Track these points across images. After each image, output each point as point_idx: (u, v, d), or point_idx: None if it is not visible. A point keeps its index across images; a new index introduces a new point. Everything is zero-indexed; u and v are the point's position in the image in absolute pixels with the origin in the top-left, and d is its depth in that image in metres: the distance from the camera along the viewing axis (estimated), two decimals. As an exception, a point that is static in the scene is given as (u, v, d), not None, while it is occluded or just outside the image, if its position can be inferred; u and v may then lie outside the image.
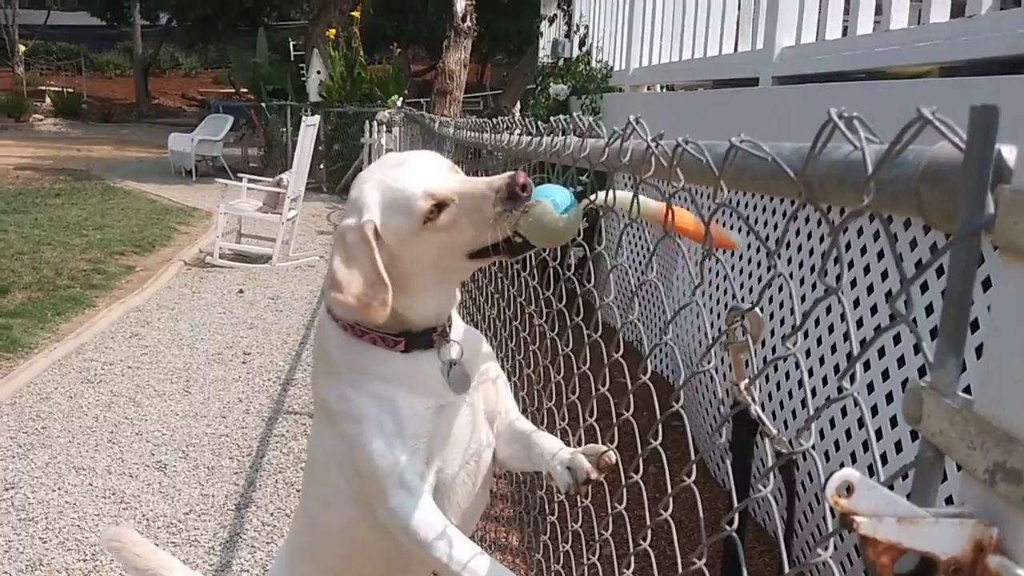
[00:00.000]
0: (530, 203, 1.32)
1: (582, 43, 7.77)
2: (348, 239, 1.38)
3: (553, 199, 1.32)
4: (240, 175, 9.63)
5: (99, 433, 4.49)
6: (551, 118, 1.69)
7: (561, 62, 7.98)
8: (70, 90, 30.97)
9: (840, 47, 3.51)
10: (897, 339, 2.49)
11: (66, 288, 7.29)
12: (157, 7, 31.01)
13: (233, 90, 27.81)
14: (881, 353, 2.54)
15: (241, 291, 7.74)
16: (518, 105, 18.52)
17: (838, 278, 0.70)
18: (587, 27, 7.76)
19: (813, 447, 0.74)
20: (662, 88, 6.30)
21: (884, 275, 2.63)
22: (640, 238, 4.74)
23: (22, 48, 33.35)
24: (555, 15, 8.73)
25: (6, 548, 3.39)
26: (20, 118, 26.21)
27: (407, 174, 1.40)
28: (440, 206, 1.36)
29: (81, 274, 7.81)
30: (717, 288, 3.83)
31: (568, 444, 1.45)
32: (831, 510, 0.51)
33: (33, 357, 5.58)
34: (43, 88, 31.03)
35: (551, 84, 7.43)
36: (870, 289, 2.67)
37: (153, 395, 5.07)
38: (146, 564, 2.06)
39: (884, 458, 2.50)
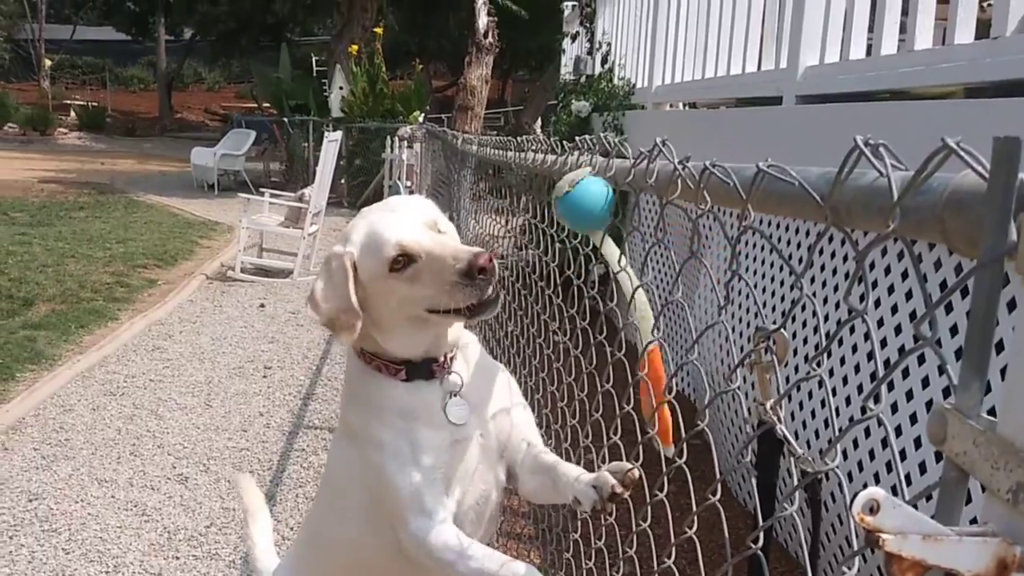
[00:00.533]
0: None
1: (604, 60, 7.80)
2: (332, 264, 1.51)
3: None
4: (262, 189, 9.72)
5: (121, 445, 4.53)
6: (575, 136, 1.71)
7: (583, 79, 8.01)
8: (95, 104, 31.37)
9: (864, 67, 3.51)
10: (921, 359, 2.49)
11: (89, 301, 7.37)
12: (181, 22, 31.44)
13: (256, 105, 28.11)
14: (905, 374, 2.53)
15: (262, 305, 7.79)
16: (539, 121, 18.60)
17: (862, 299, 0.72)
18: (609, 44, 7.79)
19: (837, 467, 0.75)
20: (684, 106, 6.31)
21: (908, 295, 2.62)
22: (665, 258, 4.74)
23: (48, 62, 33.86)
24: (577, 32, 8.77)
25: (30, 559, 3.42)
26: (45, 131, 26.55)
27: (391, 222, 1.49)
28: (409, 259, 1.45)
29: (104, 287, 7.89)
30: (739, 307, 3.83)
31: (592, 461, 1.46)
32: (856, 531, 0.52)
33: (57, 369, 5.64)
34: (68, 102, 31.47)
35: (573, 101, 7.46)
36: (894, 309, 2.66)
37: (175, 408, 5.12)
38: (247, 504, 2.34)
39: (908, 479, 2.50)
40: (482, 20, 11.88)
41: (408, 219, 1.50)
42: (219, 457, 4.44)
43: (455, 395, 1.54)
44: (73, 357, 5.90)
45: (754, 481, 1.00)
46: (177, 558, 3.47)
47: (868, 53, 3.60)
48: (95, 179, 16.82)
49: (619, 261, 1.47)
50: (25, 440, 4.53)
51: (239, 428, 4.84)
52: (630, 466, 1.35)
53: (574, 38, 8.98)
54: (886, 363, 2.58)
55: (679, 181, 1.07)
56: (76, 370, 5.62)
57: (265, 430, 4.82)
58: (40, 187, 14.88)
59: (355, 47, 16.10)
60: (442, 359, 1.56)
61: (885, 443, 2.56)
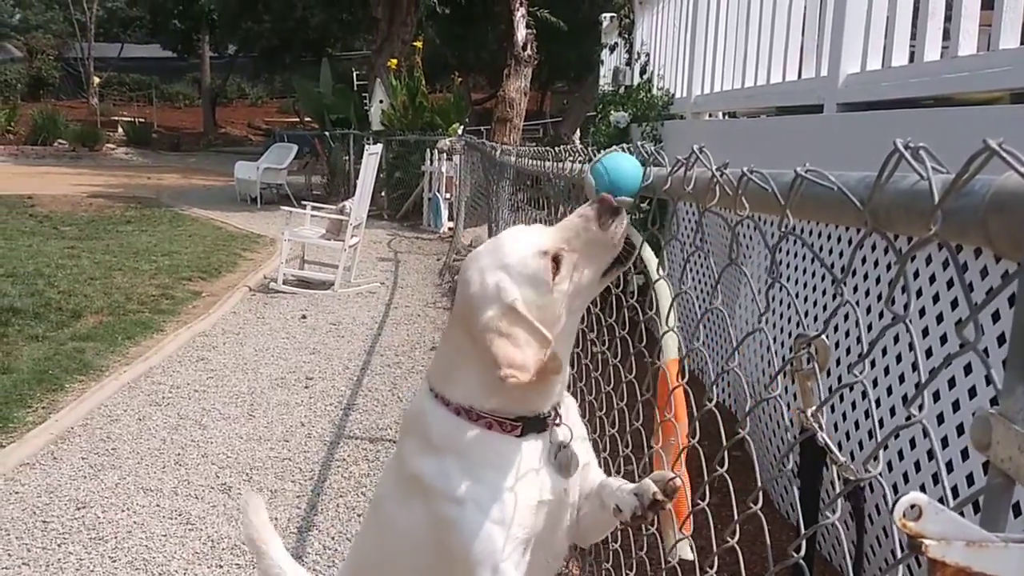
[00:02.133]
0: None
1: (643, 71, 7.79)
2: (502, 326, 1.39)
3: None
4: (304, 202, 9.82)
5: (166, 455, 4.60)
6: (613, 146, 1.71)
7: (622, 89, 8.01)
8: (141, 120, 32.00)
9: (907, 73, 3.47)
10: (968, 369, 2.44)
11: (136, 313, 7.49)
12: (225, 39, 31.97)
13: (297, 119, 28.48)
14: (952, 383, 2.49)
15: (304, 317, 7.87)
16: (578, 133, 18.60)
17: (905, 306, 0.71)
18: (648, 55, 7.78)
19: (880, 475, 0.74)
20: (724, 115, 6.28)
21: (954, 304, 2.58)
22: (705, 267, 4.71)
23: (97, 80, 34.59)
24: (616, 43, 8.77)
25: (77, 566, 3.48)
26: (94, 147, 27.10)
27: (511, 247, 1.45)
28: (555, 258, 1.41)
29: (150, 299, 8.02)
30: (781, 316, 3.79)
31: (633, 471, 1.46)
32: (901, 541, 0.51)
33: (104, 380, 5.74)
34: (116, 118, 32.10)
35: (611, 112, 7.46)
36: (939, 318, 2.62)
37: (218, 418, 5.18)
38: (256, 534, 2.19)
39: (955, 491, 2.45)
40: (521, 32, 11.93)
41: (517, 237, 1.48)
42: (261, 467, 4.48)
43: (564, 447, 1.47)
44: (120, 368, 6.00)
45: (796, 491, 0.99)
46: (220, 567, 3.51)
47: (911, 60, 3.56)
48: (141, 193, 17.13)
49: (657, 269, 1.47)
50: (73, 449, 4.61)
51: (281, 438, 4.89)
52: (672, 475, 1.33)
53: (612, 49, 8.98)
54: (931, 372, 2.54)
55: (717, 188, 1.06)
56: (123, 381, 5.71)
57: (307, 440, 4.86)
58: (89, 202, 15.18)
59: (395, 61, 16.25)
60: (553, 413, 1.50)
61: (931, 455, 2.52)
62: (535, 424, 1.47)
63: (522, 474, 1.43)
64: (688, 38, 6.54)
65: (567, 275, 1.41)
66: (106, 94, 36.51)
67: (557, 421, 1.50)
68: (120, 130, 30.46)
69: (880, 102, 3.56)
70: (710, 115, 6.40)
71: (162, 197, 16.69)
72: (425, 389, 1.54)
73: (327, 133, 18.15)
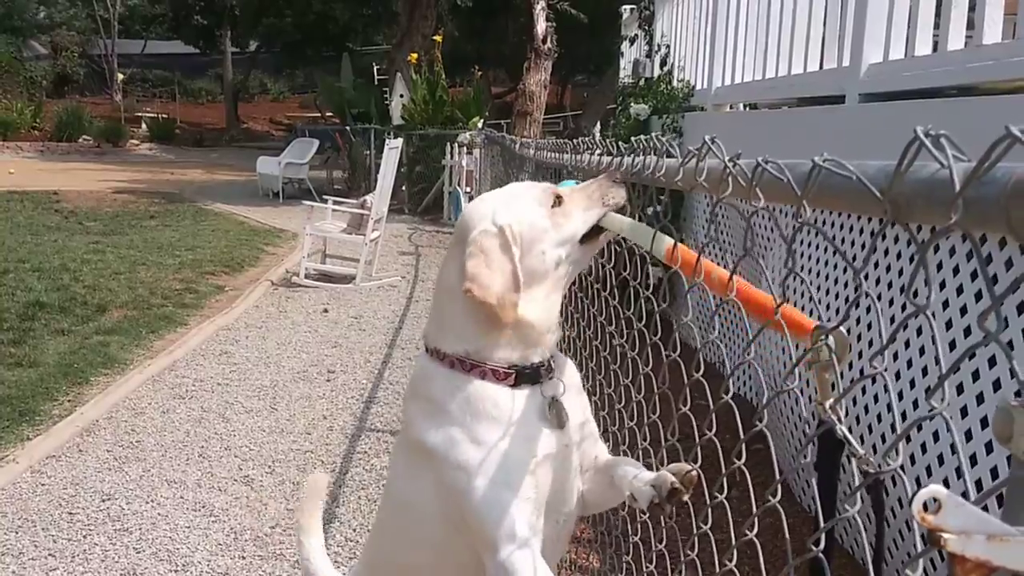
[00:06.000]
0: None
1: (663, 63, 7.75)
2: (486, 244, 1.46)
3: None
4: (325, 197, 9.86)
5: (190, 448, 4.63)
6: (631, 138, 1.70)
7: (642, 82, 7.97)
8: (164, 116, 32.17)
9: (930, 63, 3.43)
10: (992, 362, 2.41)
11: (160, 307, 7.55)
12: (247, 35, 32.13)
13: (319, 114, 28.54)
14: (975, 376, 2.46)
15: (326, 310, 7.90)
16: (598, 126, 18.54)
17: (928, 298, 0.70)
18: (668, 47, 7.74)
19: (901, 468, 0.73)
20: (745, 107, 6.24)
21: (978, 296, 2.55)
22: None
23: (120, 76, 34.85)
24: (636, 35, 8.73)
25: (103, 557, 3.52)
26: (118, 143, 27.30)
27: (517, 185, 1.62)
28: (558, 198, 1.52)
29: (174, 293, 8.08)
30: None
31: (651, 464, 1.45)
32: (922, 535, 0.51)
33: (128, 373, 5.79)
34: (139, 114, 32.30)
35: (632, 104, 7.43)
36: (963, 310, 2.59)
37: (241, 411, 5.21)
38: (305, 520, 2.19)
39: (979, 485, 2.42)
40: (541, 26, 11.91)
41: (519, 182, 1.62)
42: (284, 459, 4.51)
43: (556, 400, 1.49)
44: (144, 362, 6.06)
45: (815, 484, 0.98)
46: (243, 558, 3.53)
47: (934, 49, 3.51)
48: (165, 189, 17.26)
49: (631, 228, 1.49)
50: (98, 442, 4.66)
51: (303, 431, 4.91)
52: (689, 467, 1.32)
53: (633, 41, 8.94)
54: (953, 364, 2.51)
55: (730, 179, 1.05)
56: (147, 374, 5.76)
57: (329, 433, 4.88)
58: (113, 197, 15.31)
59: (415, 55, 16.25)
60: (547, 363, 1.52)
61: (954, 448, 2.49)
62: (529, 376, 1.49)
63: (522, 428, 1.45)
64: (708, 29, 6.50)
65: (561, 216, 1.50)
66: (130, 90, 36.76)
67: (551, 376, 1.52)
68: (144, 126, 30.65)
69: (903, 92, 3.52)
70: (731, 107, 6.35)
71: (185, 192, 16.80)
72: (422, 350, 1.58)
73: (348, 128, 18.19)
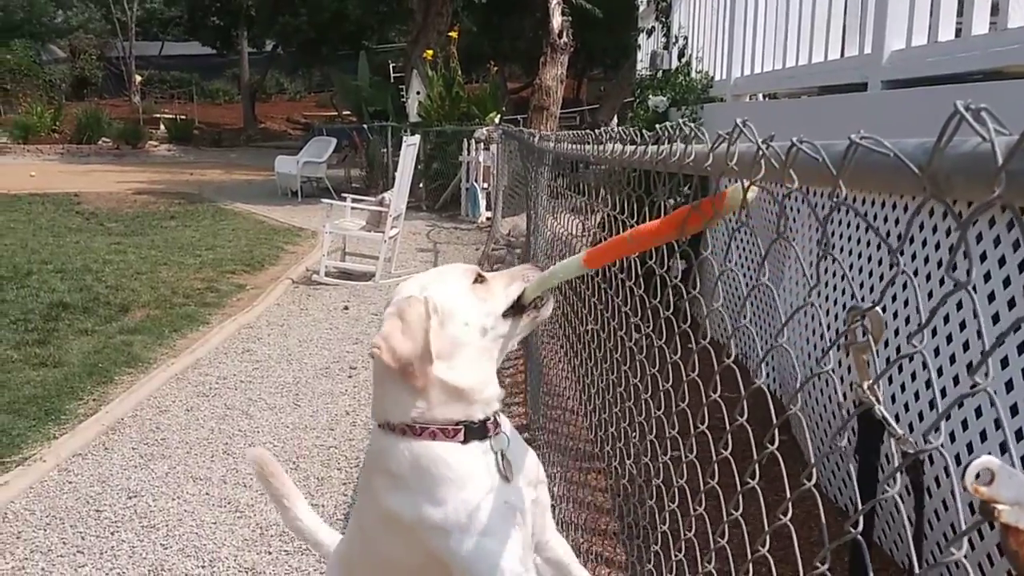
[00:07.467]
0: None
1: (681, 54, 7.71)
2: (406, 310, 1.58)
3: None
4: (344, 195, 9.87)
5: (214, 444, 4.66)
6: (656, 125, 1.69)
7: (660, 74, 7.93)
8: (183, 117, 32.35)
9: (954, 48, 3.39)
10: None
11: (181, 306, 7.60)
12: (263, 34, 32.23)
13: (336, 113, 28.65)
14: (1021, 349, 2.42)
15: (346, 307, 7.93)
16: (615, 119, 18.50)
17: (968, 272, 0.69)
18: (686, 38, 7.70)
19: (942, 446, 0.72)
20: (764, 97, 6.20)
21: (1022, 267, 2.50)
22: (751, 244, 4.65)
23: (138, 78, 35.07)
24: (653, 27, 8.70)
25: (130, 553, 3.55)
26: (137, 145, 27.47)
27: (443, 269, 1.74)
28: (480, 276, 1.67)
29: (195, 292, 8.14)
30: (834, 289, 3.70)
31: (680, 452, 1.44)
32: (968, 508, 0.50)
33: (152, 372, 5.83)
34: (158, 116, 32.52)
35: (650, 96, 7.39)
36: (1006, 281, 2.53)
37: (264, 408, 5.24)
38: (277, 487, 2.26)
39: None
40: (556, 20, 11.87)
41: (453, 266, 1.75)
42: (308, 455, 4.53)
43: (505, 455, 1.59)
44: (167, 360, 6.10)
45: (845, 473, 0.97)
46: (269, 553, 3.55)
47: (957, 34, 3.48)
48: (184, 189, 17.36)
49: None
50: (124, 440, 4.70)
51: (326, 427, 4.93)
52: None
53: (650, 33, 8.91)
54: (998, 338, 2.46)
55: (763, 161, 1.04)
56: (170, 372, 5.80)
57: (351, 428, 4.90)
58: (133, 198, 15.42)
59: (430, 52, 16.26)
60: (493, 417, 1.62)
61: (998, 424, 2.44)
62: (476, 431, 1.59)
63: (482, 479, 1.55)
64: (727, 19, 6.46)
65: (484, 291, 1.63)
66: (148, 92, 37.00)
67: (497, 431, 1.62)
68: (162, 127, 30.85)
69: (926, 78, 3.48)
70: (751, 97, 6.32)
71: (204, 192, 16.89)
72: (374, 429, 1.66)
73: (365, 126, 18.23)
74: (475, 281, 1.65)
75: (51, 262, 8.99)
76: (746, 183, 1.13)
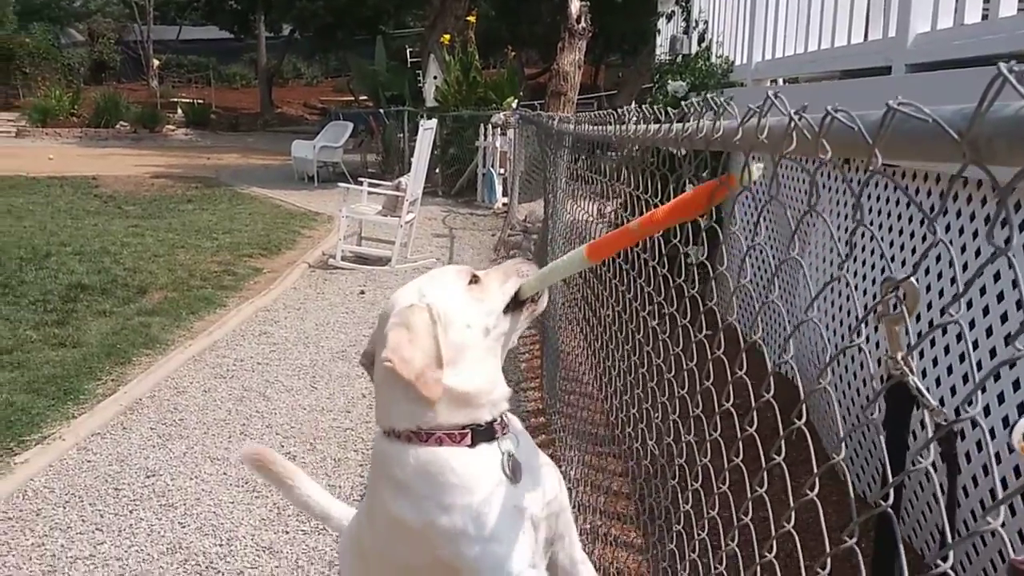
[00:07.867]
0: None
1: (701, 39, 7.65)
2: (412, 319, 1.54)
3: None
4: (360, 180, 9.88)
5: (232, 425, 4.69)
6: (682, 102, 1.68)
7: (679, 59, 7.88)
8: (200, 101, 32.44)
9: (981, 30, 3.35)
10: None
11: (199, 288, 7.63)
12: (280, 19, 32.25)
13: (352, 97, 28.63)
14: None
15: (362, 292, 7.95)
16: (633, 105, 18.39)
17: (1007, 240, 0.68)
18: (706, 22, 7.64)
19: (977, 416, 0.71)
20: (785, 82, 6.15)
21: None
22: (777, 217, 4.60)
23: (156, 63, 35.20)
24: (673, 12, 8.63)
25: (148, 532, 3.57)
26: (155, 129, 27.56)
27: (438, 271, 1.70)
28: (475, 277, 1.65)
29: (212, 275, 8.17)
30: (864, 263, 3.65)
31: (704, 430, 1.44)
32: (1001, 475, 0.49)
33: (170, 353, 5.86)
34: (175, 100, 32.62)
35: (669, 81, 7.34)
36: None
37: (281, 390, 5.26)
38: (280, 472, 2.23)
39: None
40: (574, 5, 11.79)
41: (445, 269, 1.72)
42: (324, 437, 4.54)
43: (513, 456, 1.58)
44: (185, 342, 6.13)
45: (863, 460, 0.96)
46: (286, 532, 3.57)
47: (984, 17, 3.43)
48: (201, 173, 17.41)
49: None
50: (142, 420, 4.73)
51: (343, 409, 4.95)
52: None
53: (669, 18, 8.84)
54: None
55: (795, 134, 1.03)
56: (188, 354, 5.83)
57: (368, 411, 4.91)
58: (151, 182, 15.48)
59: (447, 36, 16.22)
60: (501, 417, 1.61)
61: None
62: (484, 433, 1.57)
63: (489, 483, 1.52)
64: (748, 3, 6.40)
65: (480, 292, 1.62)
66: (165, 76, 37.13)
67: (506, 432, 1.61)
68: (179, 111, 30.92)
69: (952, 61, 3.44)
70: (772, 82, 6.27)
71: (221, 176, 16.94)
72: (378, 434, 1.63)
73: (382, 111, 18.22)
74: (470, 282, 1.64)
75: (70, 244, 9.04)
76: (759, 162, 1.12)
